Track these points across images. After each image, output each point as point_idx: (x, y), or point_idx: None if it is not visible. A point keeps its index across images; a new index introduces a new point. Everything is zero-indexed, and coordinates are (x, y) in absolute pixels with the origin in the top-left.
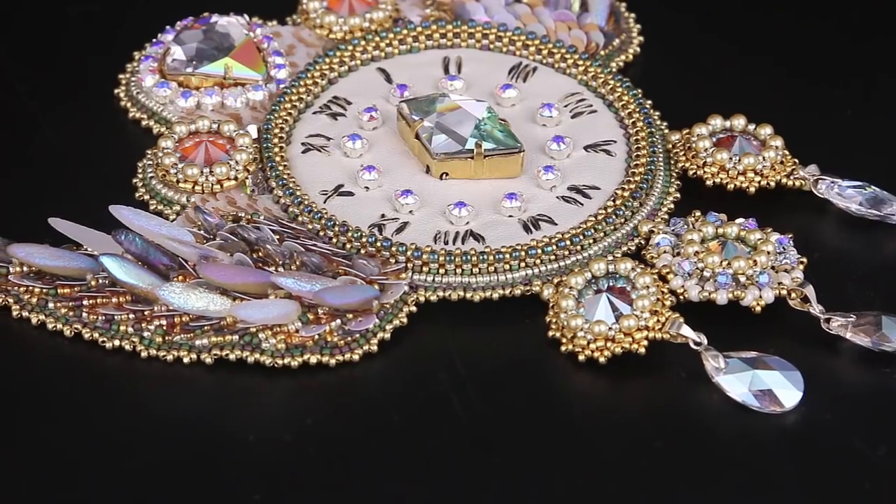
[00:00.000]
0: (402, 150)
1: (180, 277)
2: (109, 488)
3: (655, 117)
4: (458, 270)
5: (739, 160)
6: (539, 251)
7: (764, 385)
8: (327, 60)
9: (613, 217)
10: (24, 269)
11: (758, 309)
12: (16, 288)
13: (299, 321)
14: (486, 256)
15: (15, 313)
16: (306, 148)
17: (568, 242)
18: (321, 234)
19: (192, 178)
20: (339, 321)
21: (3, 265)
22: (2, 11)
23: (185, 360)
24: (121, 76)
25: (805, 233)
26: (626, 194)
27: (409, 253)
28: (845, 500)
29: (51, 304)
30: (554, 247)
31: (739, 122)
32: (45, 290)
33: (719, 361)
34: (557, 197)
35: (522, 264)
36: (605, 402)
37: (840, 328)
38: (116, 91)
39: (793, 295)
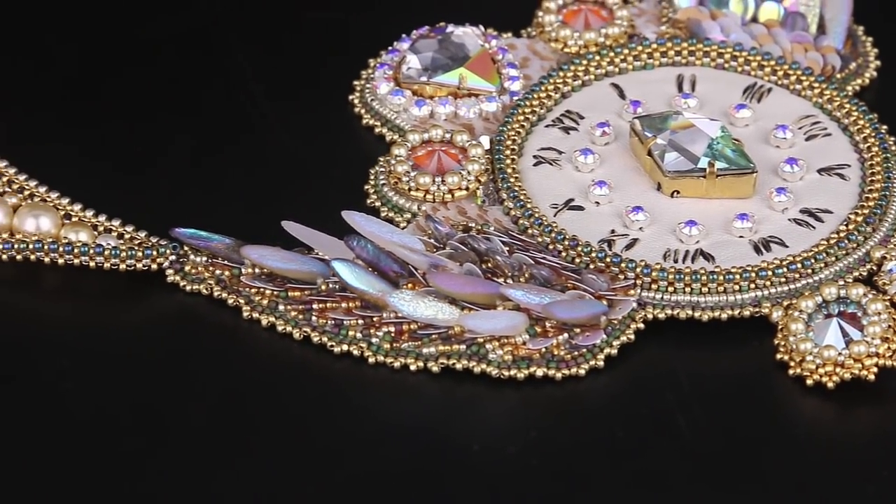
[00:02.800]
0: (633, 166)
1: (410, 285)
2: (332, 493)
3: (891, 142)
4: (687, 289)
5: None
6: (770, 273)
7: None
8: (561, 74)
9: (846, 241)
10: (256, 270)
11: None
12: (247, 289)
13: (527, 333)
14: (715, 276)
15: (245, 314)
16: (538, 161)
17: (799, 265)
18: (550, 247)
19: (424, 187)
20: (566, 335)
21: (235, 266)
22: (241, 14)
23: (412, 367)
24: (355, 83)
25: None
26: (859, 219)
27: (638, 270)
28: None
29: (281, 307)
30: (785, 269)
31: None
32: (275, 293)
33: None
34: (789, 219)
35: (752, 286)
36: (832, 427)
37: None
38: (351, 97)
39: None
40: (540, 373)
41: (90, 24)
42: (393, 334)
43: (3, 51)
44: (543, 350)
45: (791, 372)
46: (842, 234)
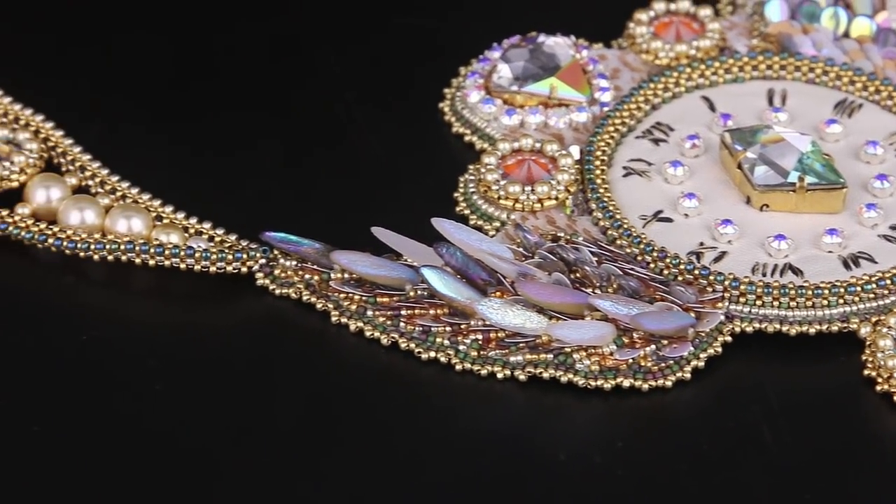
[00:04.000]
0: (722, 179)
1: (498, 293)
2: (416, 499)
3: None
4: (776, 303)
5: None
6: (859, 289)
7: None
8: (652, 86)
9: None
10: (345, 276)
11: None
12: (336, 294)
13: (614, 344)
14: (804, 291)
15: (334, 319)
16: (627, 172)
17: (888, 282)
18: (639, 258)
19: (514, 196)
20: (653, 346)
21: (325, 271)
22: (332, 20)
23: (499, 375)
24: (446, 91)
25: None
26: None
27: (726, 283)
28: None
29: (369, 312)
30: (874, 285)
31: None
32: (364, 298)
33: None
34: (878, 235)
35: (841, 301)
36: None
37: None
38: (441, 105)
39: None
40: (627, 383)
41: (183, 25)
42: (480, 342)
43: (96, 53)
44: (630, 361)
45: (878, 388)
46: None
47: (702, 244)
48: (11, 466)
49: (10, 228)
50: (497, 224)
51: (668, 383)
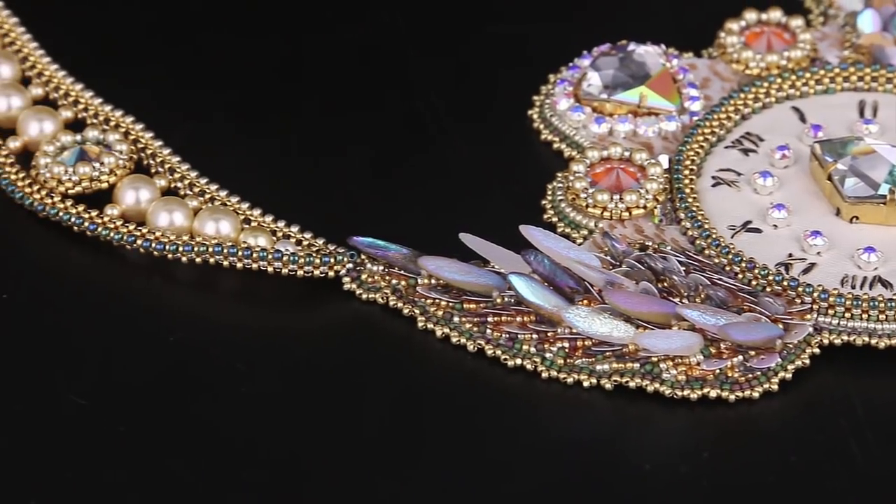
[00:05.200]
0: (812, 190)
1: (585, 301)
2: None
3: None
4: (865, 316)
5: None
6: None
7: None
8: (742, 96)
9: None
10: (432, 281)
11: None
12: (423, 300)
13: (701, 354)
14: (893, 304)
15: (420, 325)
16: (716, 182)
17: None
18: (727, 269)
19: (602, 204)
20: (741, 357)
21: (412, 276)
22: (422, 27)
23: (585, 383)
24: (535, 98)
25: None
26: None
27: (815, 294)
28: None
29: (456, 319)
30: None
31: None
32: (451, 304)
33: None
34: None
35: None
36: None
37: None
38: (530, 112)
39: None
40: (713, 394)
41: (273, 27)
42: (567, 350)
43: (187, 54)
44: (717, 371)
45: None
46: None
47: (790, 255)
48: (97, 466)
49: (100, 229)
50: (584, 232)
51: (755, 394)
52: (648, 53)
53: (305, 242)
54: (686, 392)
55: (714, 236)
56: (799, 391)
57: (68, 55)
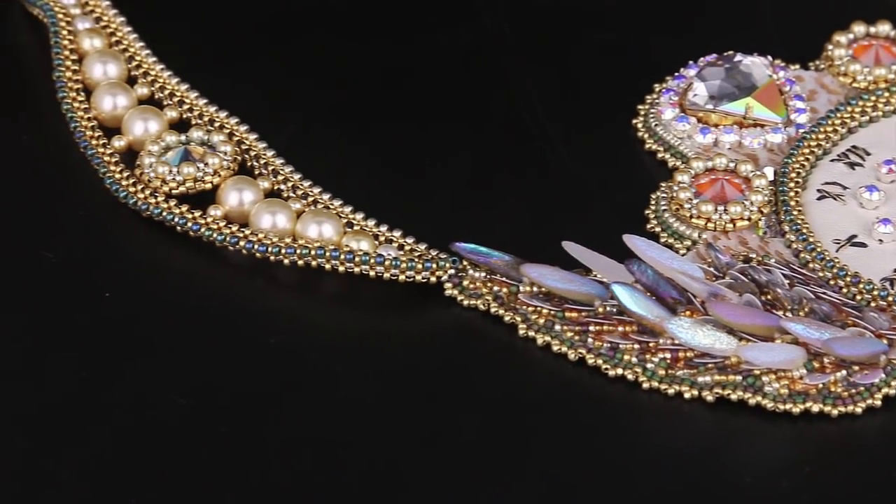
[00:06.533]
0: None
1: (688, 312)
2: None
3: None
4: None
5: None
6: None
7: None
8: (849, 109)
9: None
10: (534, 289)
11: None
12: (524, 307)
13: (804, 368)
14: None
15: (521, 332)
16: (821, 195)
17: None
18: (831, 283)
19: (706, 215)
20: (844, 372)
21: (513, 284)
22: (526, 33)
23: (686, 395)
24: (640, 107)
25: None
26: None
27: None
28: None
29: (557, 327)
30: None
31: None
32: (552, 312)
33: None
34: None
35: None
36: None
37: None
38: (634, 121)
39: None
40: (816, 408)
41: (377, 34)
42: (669, 361)
43: (292, 55)
44: (820, 386)
45: None
46: None
47: None
48: (197, 466)
49: (203, 230)
50: (688, 243)
51: (858, 410)
52: (755, 64)
53: (408, 247)
54: (788, 406)
55: (819, 250)
56: None
57: (174, 55)
